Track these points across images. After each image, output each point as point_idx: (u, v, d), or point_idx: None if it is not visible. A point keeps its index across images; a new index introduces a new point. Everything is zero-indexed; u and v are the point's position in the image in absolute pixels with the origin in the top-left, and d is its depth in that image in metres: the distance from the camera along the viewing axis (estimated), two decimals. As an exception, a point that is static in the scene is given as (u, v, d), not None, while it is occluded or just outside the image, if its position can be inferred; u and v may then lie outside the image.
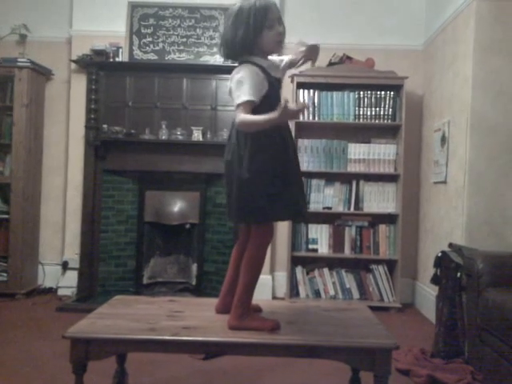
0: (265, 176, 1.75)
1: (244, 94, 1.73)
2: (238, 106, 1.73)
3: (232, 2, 1.84)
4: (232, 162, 1.81)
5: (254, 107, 1.73)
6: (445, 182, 3.54)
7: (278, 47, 1.84)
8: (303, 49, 1.93)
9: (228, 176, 1.85)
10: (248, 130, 1.76)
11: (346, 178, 4.10)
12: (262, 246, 1.82)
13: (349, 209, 4.07)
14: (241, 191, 1.77)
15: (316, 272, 4.06)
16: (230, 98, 1.83)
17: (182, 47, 4.18)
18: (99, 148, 4.04)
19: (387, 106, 4.04)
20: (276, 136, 1.79)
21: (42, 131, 4.36)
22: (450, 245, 3.01)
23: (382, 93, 4.03)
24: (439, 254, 2.91)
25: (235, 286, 1.85)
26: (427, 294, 3.78)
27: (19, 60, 4.06)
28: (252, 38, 1.76)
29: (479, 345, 2.48)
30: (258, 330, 1.74)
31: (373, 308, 2.31)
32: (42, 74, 4.27)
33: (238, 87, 1.75)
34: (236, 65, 1.86)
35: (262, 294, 3.97)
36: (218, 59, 4.14)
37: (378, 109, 4.04)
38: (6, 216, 4.04)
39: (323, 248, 4.09)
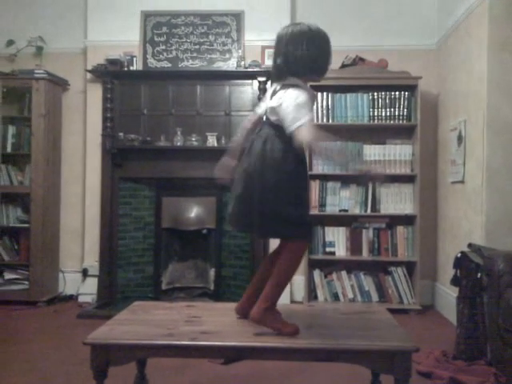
0: (291, 189, 1.77)
1: (305, 115, 1.73)
2: (301, 125, 1.70)
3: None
4: (253, 171, 1.78)
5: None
6: (462, 182, 3.50)
7: (322, 77, 1.91)
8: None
9: (245, 186, 1.80)
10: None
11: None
12: (295, 259, 1.82)
13: (365, 211, 4.05)
14: (267, 203, 1.74)
15: (334, 275, 4.04)
16: (274, 109, 1.80)
17: (194, 54, 4.21)
18: (116, 156, 4.09)
19: (402, 106, 4.01)
20: (300, 154, 1.82)
21: (60, 141, 4.42)
22: (470, 245, 2.97)
23: (397, 93, 4.00)
24: (458, 255, 2.87)
25: (259, 293, 1.84)
26: (447, 296, 3.73)
27: (36, 71, 4.14)
28: (321, 63, 1.82)
29: (501, 346, 2.44)
30: (278, 332, 1.74)
31: (392, 310, 2.30)
32: (58, 84, 4.34)
33: (297, 110, 1.73)
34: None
35: (280, 298, 3.97)
36: (230, 65, 4.16)
37: (392, 109, 4.02)
38: (27, 225, 4.11)
39: (340, 251, 4.07)
